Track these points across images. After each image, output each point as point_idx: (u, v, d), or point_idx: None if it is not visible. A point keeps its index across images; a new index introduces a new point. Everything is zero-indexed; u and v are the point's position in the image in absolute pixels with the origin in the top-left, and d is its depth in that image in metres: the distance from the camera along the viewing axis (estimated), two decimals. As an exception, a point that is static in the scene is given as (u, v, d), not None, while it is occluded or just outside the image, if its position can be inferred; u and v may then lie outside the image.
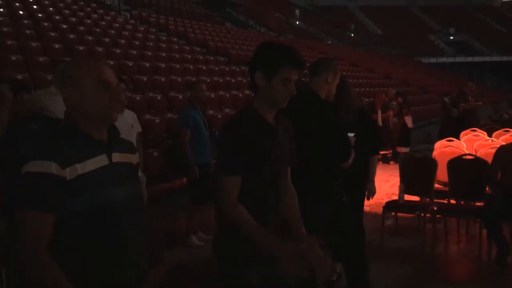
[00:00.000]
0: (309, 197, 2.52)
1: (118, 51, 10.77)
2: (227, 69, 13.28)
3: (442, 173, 5.87)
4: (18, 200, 1.68)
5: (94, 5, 15.81)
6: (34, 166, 1.66)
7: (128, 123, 4.51)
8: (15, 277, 2.18)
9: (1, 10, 10.88)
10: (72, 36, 10.62)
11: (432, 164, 5.79)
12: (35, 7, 12.31)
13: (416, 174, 5.82)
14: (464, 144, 7.04)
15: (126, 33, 13.04)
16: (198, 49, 14.87)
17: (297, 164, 2.50)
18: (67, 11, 13.02)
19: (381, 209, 5.77)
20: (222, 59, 14.66)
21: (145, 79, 9.39)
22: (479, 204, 5.62)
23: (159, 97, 8.70)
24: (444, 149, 6.70)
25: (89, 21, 12.88)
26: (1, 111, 3.04)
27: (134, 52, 11.17)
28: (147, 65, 10.48)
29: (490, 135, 7.89)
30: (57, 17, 11.98)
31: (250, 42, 19.16)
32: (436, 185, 5.97)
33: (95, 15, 13.97)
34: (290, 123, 2.48)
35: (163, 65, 10.92)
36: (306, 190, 2.58)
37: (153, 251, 1.96)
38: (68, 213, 1.68)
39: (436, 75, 30.58)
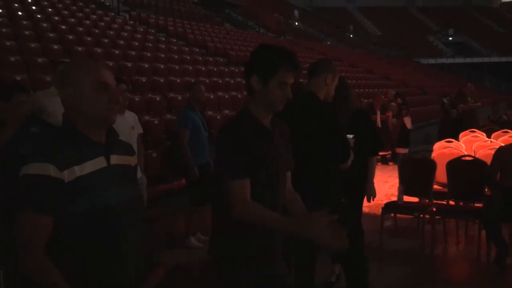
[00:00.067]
0: (307, 198, 2.51)
1: (117, 52, 10.76)
2: (226, 70, 13.28)
3: (441, 174, 5.87)
4: (18, 201, 1.68)
5: (93, 6, 15.78)
6: (33, 168, 1.66)
7: (128, 124, 4.50)
8: (14, 277, 2.17)
9: (0, 11, 10.85)
10: (71, 37, 10.60)
11: (431, 165, 5.78)
12: (34, 8, 12.29)
13: (415, 175, 5.82)
14: (463, 145, 7.03)
15: (125, 34, 13.02)
16: (197, 50, 14.86)
17: (295, 165, 2.50)
18: (66, 12, 13.00)
19: (380, 210, 5.76)
20: (221, 60, 14.67)
21: (144, 80, 9.37)
22: (478, 205, 5.63)
23: (158, 98, 8.69)
24: (443, 150, 6.69)
25: (88, 22, 12.86)
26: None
27: (133, 53, 11.16)
28: (146, 66, 10.47)
29: (489, 136, 7.88)
30: (56, 18, 11.96)
31: (249, 43, 19.13)
32: (435, 186, 5.97)
33: (94, 16, 13.95)
34: (287, 126, 2.47)
35: (162, 66, 10.91)
36: (305, 191, 2.58)
37: (152, 252, 1.96)
38: (68, 214, 1.68)
39: (435, 76, 30.57)
